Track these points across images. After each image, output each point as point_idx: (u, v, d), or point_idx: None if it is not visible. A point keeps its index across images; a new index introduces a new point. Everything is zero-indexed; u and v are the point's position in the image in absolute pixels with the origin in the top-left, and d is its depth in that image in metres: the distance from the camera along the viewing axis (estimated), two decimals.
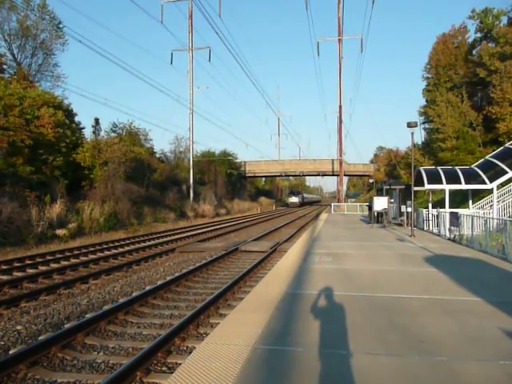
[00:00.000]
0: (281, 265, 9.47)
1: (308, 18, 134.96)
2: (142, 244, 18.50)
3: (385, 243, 13.60)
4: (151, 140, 52.23)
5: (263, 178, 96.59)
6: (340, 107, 44.81)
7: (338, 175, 55.61)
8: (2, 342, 6.20)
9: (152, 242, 18.99)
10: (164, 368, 5.21)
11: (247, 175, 70.18)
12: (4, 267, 12.54)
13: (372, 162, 77.62)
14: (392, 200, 22.25)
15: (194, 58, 43.28)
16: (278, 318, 5.19)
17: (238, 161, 65.80)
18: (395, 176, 45.73)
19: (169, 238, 20.73)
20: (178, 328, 6.14)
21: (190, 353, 5.48)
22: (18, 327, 6.85)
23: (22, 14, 35.51)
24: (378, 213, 21.18)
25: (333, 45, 42.79)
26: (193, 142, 44.67)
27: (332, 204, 45.79)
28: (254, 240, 19.11)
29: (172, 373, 4.80)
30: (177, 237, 21.45)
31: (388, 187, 23.03)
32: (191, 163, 43.87)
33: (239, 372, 3.62)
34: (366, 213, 28.28)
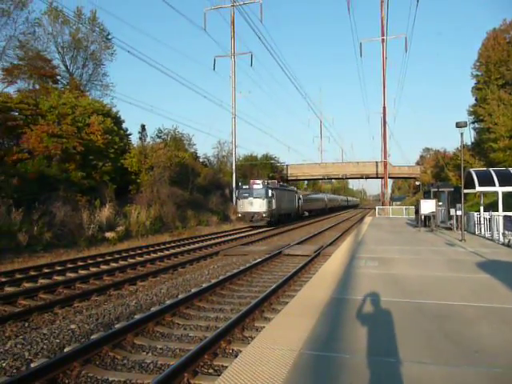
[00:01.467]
0: (325, 269, 9.36)
1: (350, 18, 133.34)
2: (187, 247, 18.85)
3: (433, 248, 13.14)
4: (195, 145, 53.44)
5: (305, 182, 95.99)
6: (384, 108, 43.89)
7: (382, 178, 54.43)
8: (58, 340, 6.49)
9: (196, 245, 19.31)
10: (210, 370, 5.27)
11: (289, 178, 69.95)
12: (58, 268, 13.17)
13: (418, 163, 75.27)
14: (440, 203, 21.49)
15: (236, 63, 43.76)
16: (324, 323, 5.13)
17: (280, 164, 65.81)
18: (443, 178, 44.19)
19: (212, 242, 21.01)
20: (224, 331, 6.20)
21: (236, 356, 5.52)
22: (72, 326, 7.15)
23: (73, 27, 37.32)
24: (425, 216, 20.51)
25: (376, 45, 42.00)
26: (235, 146, 45.11)
27: (376, 207, 44.86)
28: (298, 243, 19.02)
29: (219, 375, 4.87)
30: (220, 240, 21.70)
31: (436, 190, 22.25)
32: (234, 167, 44.31)
33: (286, 377, 3.60)
34: (412, 216, 27.47)
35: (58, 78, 36.89)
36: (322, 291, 6.82)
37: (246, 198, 32.05)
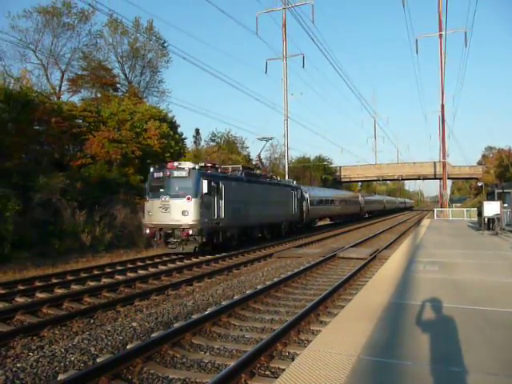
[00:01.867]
0: (382, 273, 9.12)
1: (405, 14, 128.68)
2: (241, 249, 19.01)
3: (499, 252, 12.43)
4: (247, 147, 53.93)
5: (359, 183, 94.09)
6: (442, 106, 42.12)
7: (440, 178, 52.22)
8: (121, 337, 6.79)
9: (250, 248, 19.43)
10: (267, 372, 5.30)
11: (342, 180, 68.93)
12: (119, 268, 13.78)
13: (480, 163, 71.60)
14: (505, 205, 20.31)
15: (288, 65, 43.71)
16: (383, 328, 5.00)
17: (333, 166, 65.09)
18: (508, 178, 41.72)
19: (266, 244, 21.06)
20: (280, 333, 6.22)
21: (293, 359, 5.52)
22: (134, 324, 7.46)
23: (132, 37, 38.97)
24: (489, 219, 19.45)
25: (433, 42, 40.41)
26: (288, 148, 45.03)
27: (435, 209, 43.16)
28: (352, 246, 18.68)
29: (275, 378, 4.89)
30: (274, 242, 21.73)
31: (500, 191, 21.09)
32: (286, 169, 44.23)
33: (345, 382, 3.54)
34: (474, 219, 26.15)
35: (118, 86, 38.68)
36: (379, 295, 6.65)
37: (157, 197, 16.45)
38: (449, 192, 78.15)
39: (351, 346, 4.36)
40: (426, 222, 33.00)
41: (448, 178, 51.33)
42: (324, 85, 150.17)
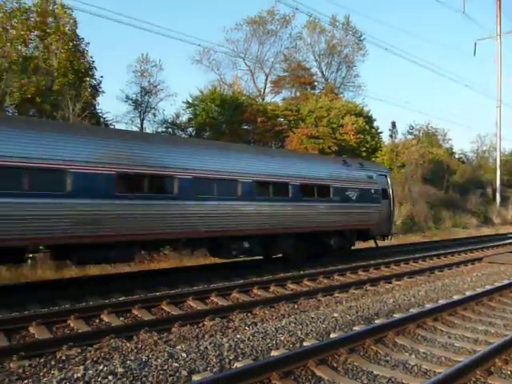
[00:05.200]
0: None
1: None
2: (442, 251, 17.57)
3: None
4: (450, 140, 49.35)
5: None
6: None
7: None
8: (324, 325, 7.05)
9: (453, 249, 17.84)
10: None
11: None
12: None
13: None
14: None
15: (503, 43, 38.43)
16: None
17: None
18: None
19: (472, 246, 19.02)
20: (500, 347, 5.54)
21: None
22: (335, 314, 7.66)
23: (329, 34, 39.93)
24: None
25: None
26: (500, 139, 39.63)
27: None
28: None
29: None
30: (482, 245, 19.49)
31: None
32: (498, 163, 39.00)
33: None
34: None
35: (316, 84, 40.19)
36: None
37: None
38: None
39: None
40: None
41: None
42: None
